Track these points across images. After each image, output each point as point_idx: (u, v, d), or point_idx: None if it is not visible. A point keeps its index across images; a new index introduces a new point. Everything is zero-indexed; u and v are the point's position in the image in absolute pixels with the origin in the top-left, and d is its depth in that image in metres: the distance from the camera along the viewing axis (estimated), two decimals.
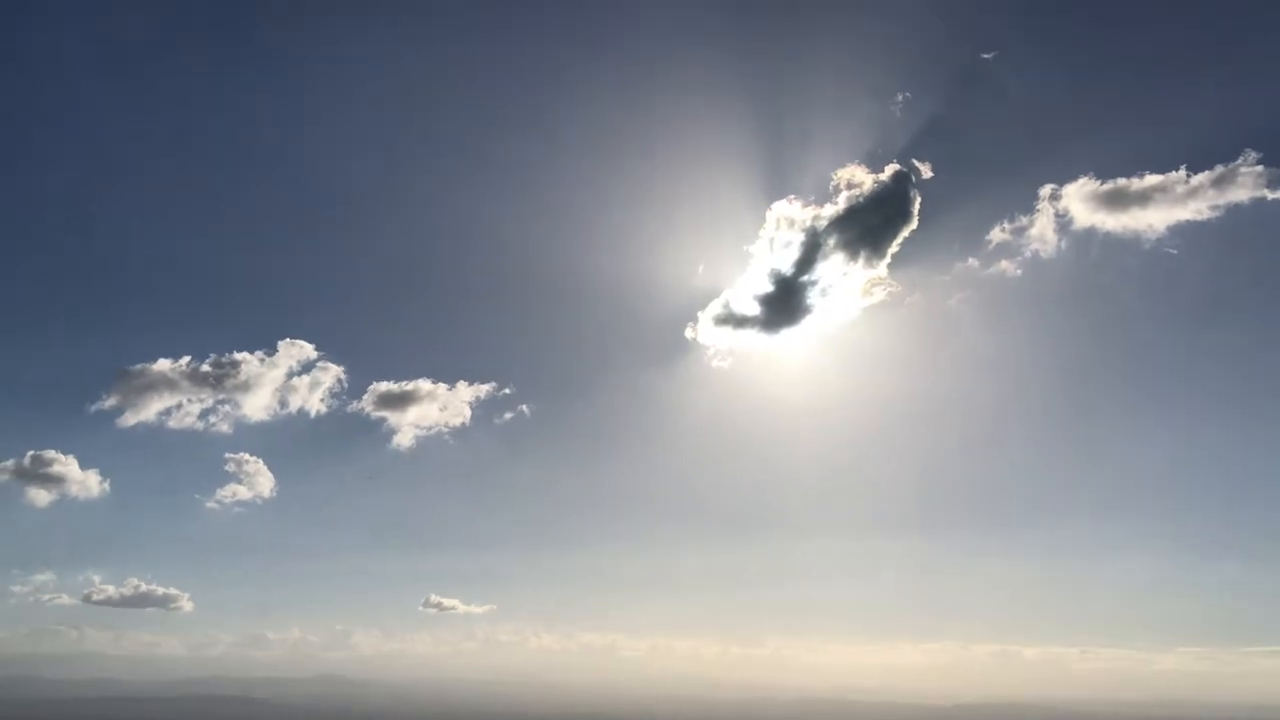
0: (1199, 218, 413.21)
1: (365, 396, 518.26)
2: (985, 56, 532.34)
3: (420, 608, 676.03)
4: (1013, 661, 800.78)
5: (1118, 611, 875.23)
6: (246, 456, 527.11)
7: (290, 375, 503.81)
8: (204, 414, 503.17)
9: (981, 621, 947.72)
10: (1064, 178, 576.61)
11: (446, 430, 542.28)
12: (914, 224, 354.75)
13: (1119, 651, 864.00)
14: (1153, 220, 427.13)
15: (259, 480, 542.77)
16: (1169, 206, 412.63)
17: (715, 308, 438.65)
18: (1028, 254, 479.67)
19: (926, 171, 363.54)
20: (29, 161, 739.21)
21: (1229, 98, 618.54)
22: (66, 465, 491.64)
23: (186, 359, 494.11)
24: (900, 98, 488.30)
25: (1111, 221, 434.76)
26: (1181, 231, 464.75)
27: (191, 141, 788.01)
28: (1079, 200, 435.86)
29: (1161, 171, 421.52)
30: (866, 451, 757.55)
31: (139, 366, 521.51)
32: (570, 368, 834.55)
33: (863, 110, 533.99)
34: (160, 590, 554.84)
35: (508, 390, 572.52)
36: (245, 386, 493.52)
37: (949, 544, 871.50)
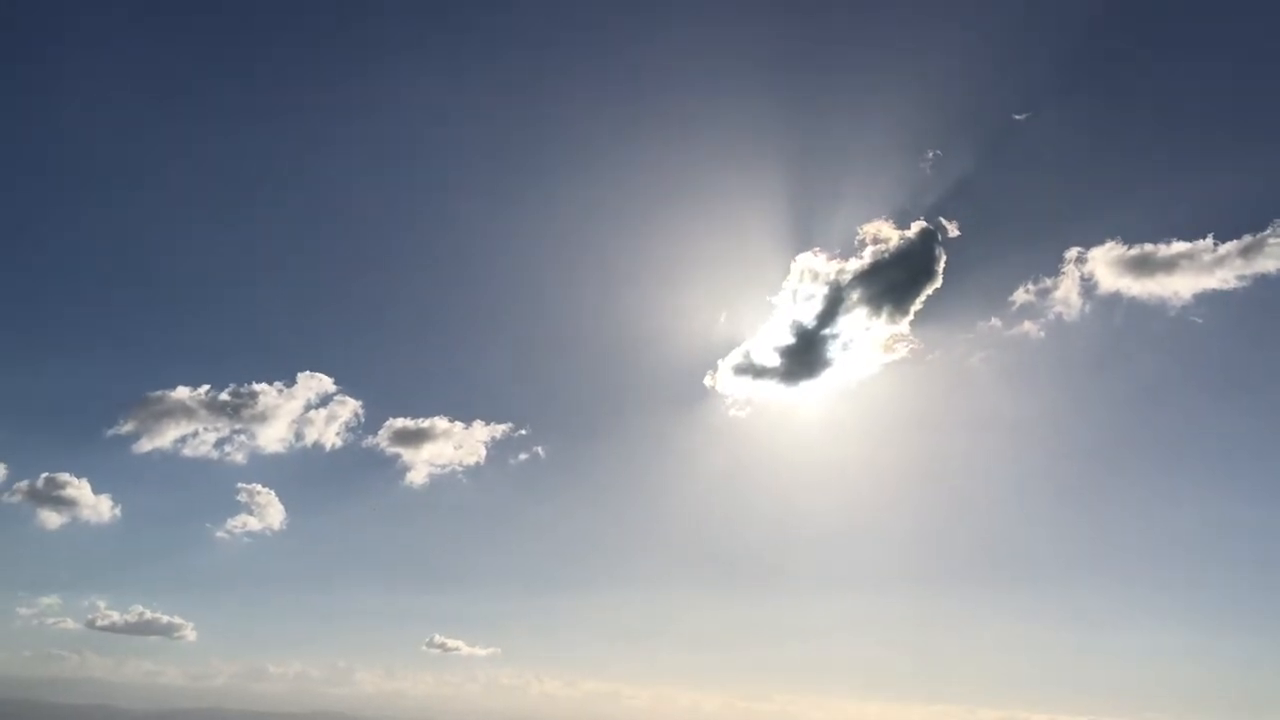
0: (1225, 287, 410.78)
1: (381, 432, 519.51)
2: (1017, 118, 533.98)
3: (424, 647, 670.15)
4: None
5: (1129, 683, 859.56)
6: (259, 487, 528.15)
7: (308, 408, 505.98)
8: (220, 443, 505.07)
9: (988, 686, 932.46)
10: (1090, 241, 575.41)
11: (460, 469, 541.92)
12: (938, 282, 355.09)
13: None
14: (1179, 288, 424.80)
15: (270, 512, 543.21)
16: (1195, 274, 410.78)
17: (735, 357, 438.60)
18: (1051, 316, 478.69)
19: (953, 230, 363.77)
20: (52, 184, 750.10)
21: (1258, 166, 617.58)
22: (79, 488, 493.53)
23: (206, 387, 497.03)
24: (931, 155, 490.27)
25: (1137, 287, 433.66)
26: (1208, 300, 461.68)
27: (222, 170, 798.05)
28: (1104, 264, 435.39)
29: (1188, 239, 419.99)
30: (880, 508, 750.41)
31: (159, 393, 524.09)
32: (587, 411, 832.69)
33: (893, 166, 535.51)
34: (165, 618, 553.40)
35: (524, 431, 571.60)
36: (262, 417, 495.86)
37: (960, 605, 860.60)
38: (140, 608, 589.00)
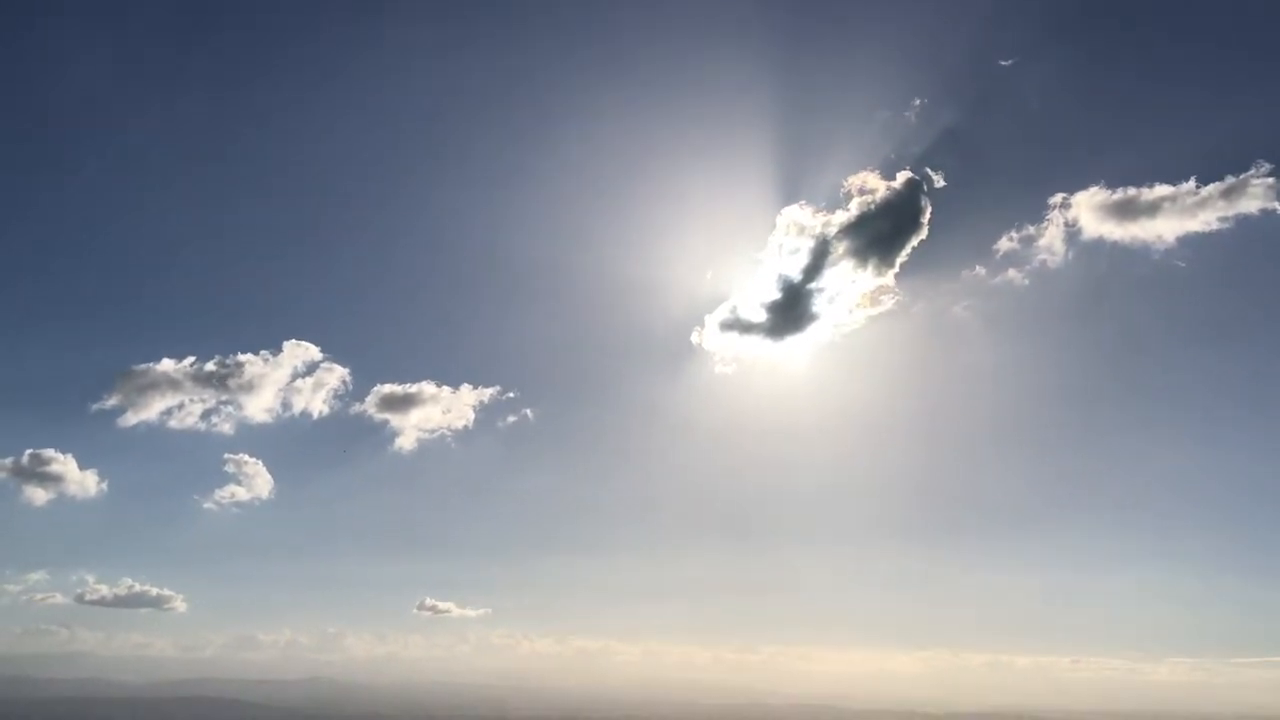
0: (1208, 229, 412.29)
1: (369, 398, 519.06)
2: (1003, 64, 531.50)
3: (415, 610, 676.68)
4: (1004, 670, 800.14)
5: (1110, 622, 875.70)
6: (246, 458, 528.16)
7: (294, 376, 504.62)
8: (206, 414, 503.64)
9: (974, 630, 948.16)
10: (1074, 186, 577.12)
11: (449, 433, 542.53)
12: (924, 234, 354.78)
13: (1111, 661, 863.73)
14: (1162, 231, 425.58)
15: (258, 482, 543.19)
16: (1178, 217, 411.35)
17: (721, 313, 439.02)
18: (1035, 263, 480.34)
19: (939, 180, 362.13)
20: (36, 163, 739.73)
21: (1241, 108, 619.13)
22: (65, 464, 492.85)
23: (191, 359, 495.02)
24: (917, 103, 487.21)
25: (1120, 232, 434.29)
26: (1191, 243, 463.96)
27: (200, 143, 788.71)
28: (1088, 209, 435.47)
29: (1171, 182, 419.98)
30: (865, 460, 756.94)
31: (143, 366, 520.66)
32: (575, 372, 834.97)
33: (879, 115, 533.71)
34: (154, 591, 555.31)
35: (512, 394, 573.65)
36: (249, 387, 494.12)
37: (944, 552, 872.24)
38: (129, 581, 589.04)
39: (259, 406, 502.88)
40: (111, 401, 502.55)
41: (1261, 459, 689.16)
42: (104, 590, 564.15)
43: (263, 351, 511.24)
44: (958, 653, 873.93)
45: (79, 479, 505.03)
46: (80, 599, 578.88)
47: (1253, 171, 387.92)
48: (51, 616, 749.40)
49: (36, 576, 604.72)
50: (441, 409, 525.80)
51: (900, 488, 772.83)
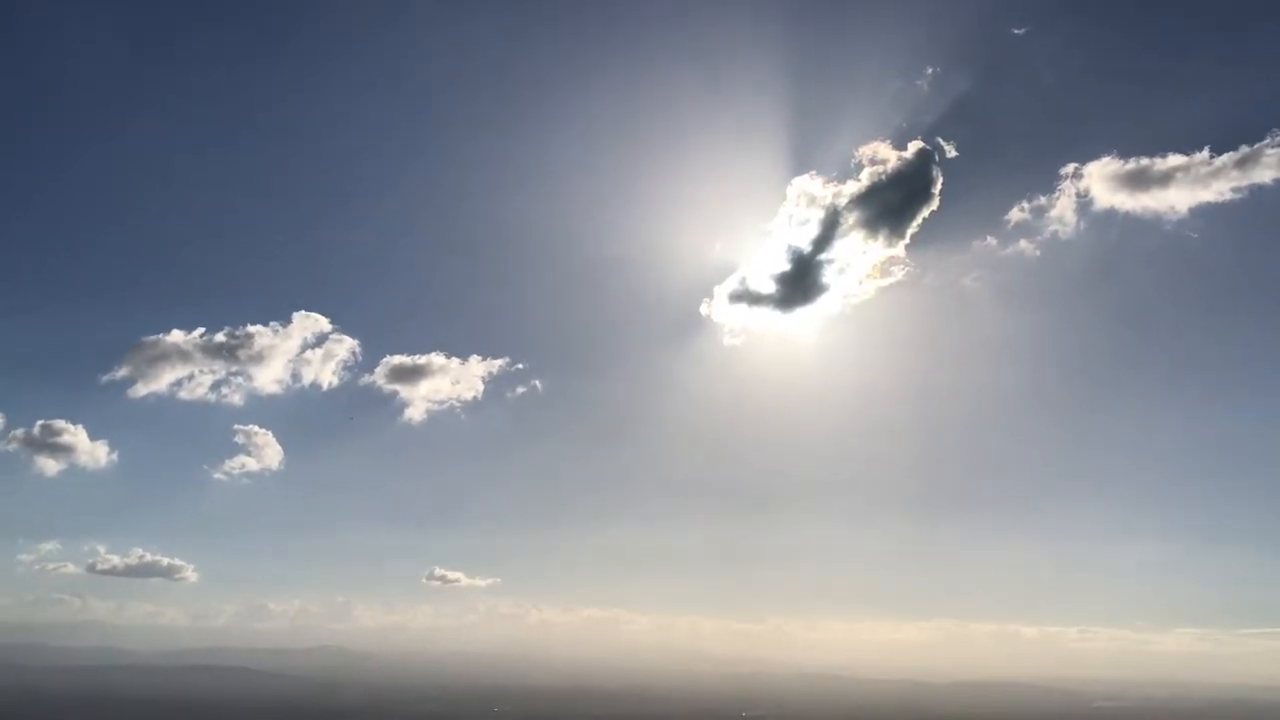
0: (1221, 199, 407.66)
1: (378, 369, 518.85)
2: (1016, 32, 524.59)
3: (424, 580, 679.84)
4: (1011, 641, 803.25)
5: (1118, 593, 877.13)
6: (256, 429, 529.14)
7: (304, 347, 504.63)
8: (215, 385, 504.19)
9: (981, 601, 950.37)
10: (1086, 156, 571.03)
11: (459, 404, 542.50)
12: (935, 204, 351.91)
13: (1118, 632, 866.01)
14: (1174, 201, 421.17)
15: (267, 452, 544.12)
16: (1191, 187, 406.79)
17: (731, 284, 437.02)
18: (1047, 234, 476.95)
19: (951, 151, 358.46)
20: (43, 136, 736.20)
21: (1255, 76, 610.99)
22: (76, 435, 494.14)
23: (200, 330, 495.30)
24: (930, 71, 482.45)
25: (1132, 203, 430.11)
26: (1204, 213, 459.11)
27: (210, 116, 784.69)
28: (1100, 180, 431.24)
29: (1185, 152, 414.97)
30: (872, 432, 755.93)
31: (153, 337, 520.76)
32: (584, 343, 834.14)
33: (891, 84, 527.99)
34: (165, 561, 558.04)
35: (521, 365, 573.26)
36: (258, 358, 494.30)
37: (952, 524, 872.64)
38: (140, 551, 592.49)
39: (269, 378, 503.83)
40: (122, 373, 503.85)
41: (1272, 430, 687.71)
42: (115, 560, 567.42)
43: (272, 323, 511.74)
44: (965, 623, 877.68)
45: (90, 450, 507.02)
46: (92, 569, 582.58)
47: (1268, 140, 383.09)
48: (63, 586, 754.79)
49: (48, 547, 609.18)
50: (451, 380, 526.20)
51: (908, 460, 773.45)
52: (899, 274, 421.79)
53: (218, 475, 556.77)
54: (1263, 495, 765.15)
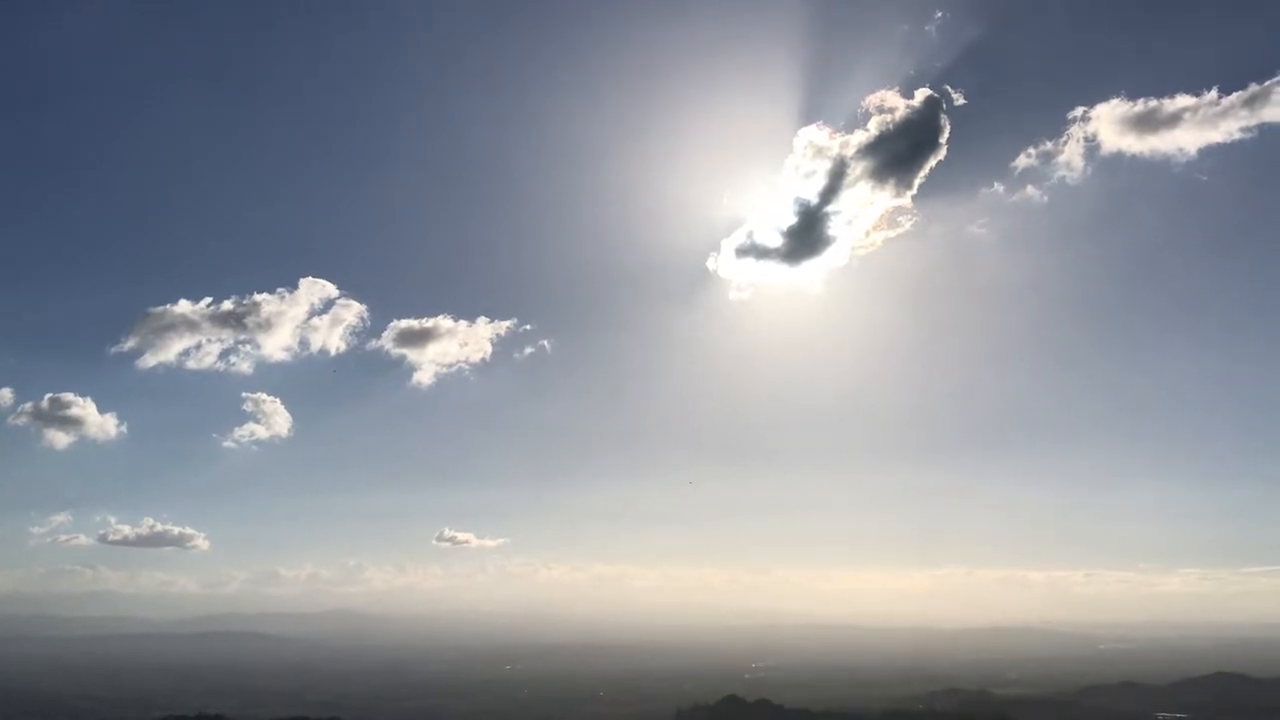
0: (1230, 139, 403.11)
1: (386, 334, 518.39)
2: None
3: (434, 542, 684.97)
4: (1018, 586, 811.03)
5: (1122, 535, 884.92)
6: (264, 396, 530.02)
7: (311, 313, 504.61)
8: (224, 354, 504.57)
9: (988, 547, 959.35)
10: (1094, 99, 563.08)
11: (467, 366, 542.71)
12: (943, 153, 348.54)
13: (1123, 574, 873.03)
14: (1183, 143, 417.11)
15: (276, 419, 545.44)
16: (1199, 128, 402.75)
17: (738, 238, 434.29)
18: (1054, 180, 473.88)
19: (959, 98, 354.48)
20: (45, 103, 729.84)
21: (1262, 13, 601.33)
22: (85, 407, 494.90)
23: (208, 300, 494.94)
24: (938, 16, 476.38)
25: (1140, 145, 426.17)
26: (1212, 154, 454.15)
27: (214, 83, 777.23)
28: (1108, 123, 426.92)
29: (1193, 92, 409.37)
30: (882, 382, 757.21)
31: (160, 308, 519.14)
32: (591, 302, 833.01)
33: (899, 30, 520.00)
34: (176, 530, 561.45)
35: (529, 326, 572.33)
36: (266, 326, 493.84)
37: (957, 471, 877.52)
38: (151, 520, 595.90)
39: (276, 345, 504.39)
40: (129, 344, 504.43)
41: (1276, 372, 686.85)
42: (126, 530, 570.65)
43: (279, 290, 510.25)
44: (971, 570, 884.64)
45: (99, 422, 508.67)
46: (103, 539, 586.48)
47: (1277, 78, 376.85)
48: (76, 557, 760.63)
49: (60, 518, 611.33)
50: (459, 342, 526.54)
51: (914, 409, 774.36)
52: (906, 224, 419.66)
53: (227, 443, 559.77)
54: (1264, 434, 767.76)
